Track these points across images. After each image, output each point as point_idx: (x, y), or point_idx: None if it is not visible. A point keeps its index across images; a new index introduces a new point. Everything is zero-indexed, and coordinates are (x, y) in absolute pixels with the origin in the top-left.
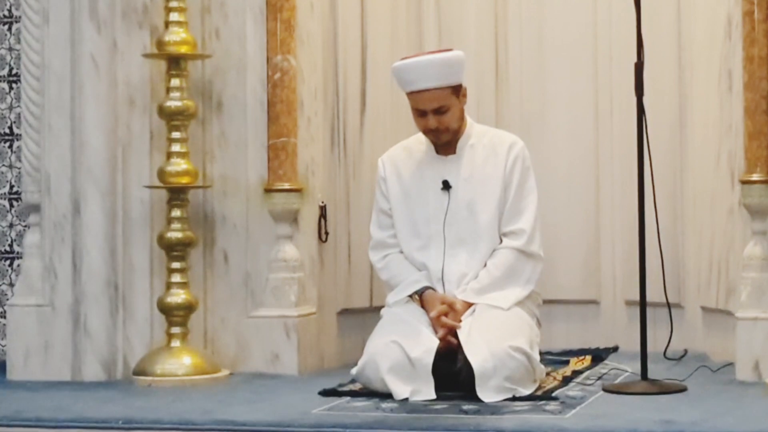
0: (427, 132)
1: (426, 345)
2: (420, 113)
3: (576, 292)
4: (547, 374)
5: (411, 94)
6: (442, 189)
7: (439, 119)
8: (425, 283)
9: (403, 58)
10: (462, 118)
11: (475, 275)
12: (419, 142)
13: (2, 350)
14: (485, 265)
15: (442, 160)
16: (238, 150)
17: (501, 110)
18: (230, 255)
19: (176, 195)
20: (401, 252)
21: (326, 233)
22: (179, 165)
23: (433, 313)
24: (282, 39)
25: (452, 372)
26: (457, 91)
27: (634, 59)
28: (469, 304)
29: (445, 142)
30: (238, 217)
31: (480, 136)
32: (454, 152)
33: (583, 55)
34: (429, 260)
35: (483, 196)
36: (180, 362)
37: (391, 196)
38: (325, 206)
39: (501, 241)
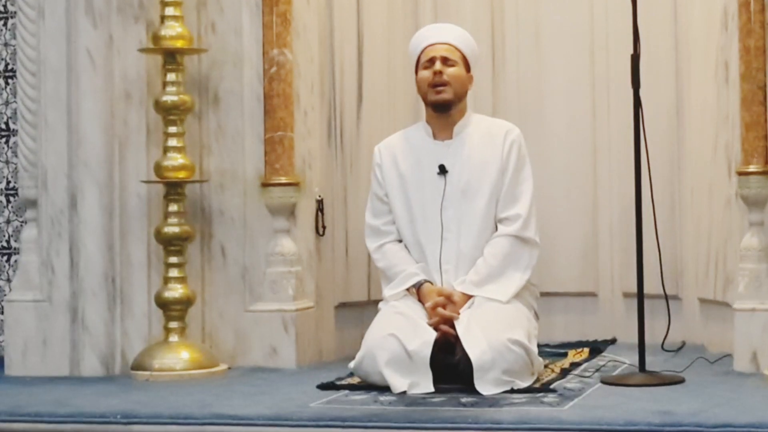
0: (429, 86)
1: (423, 337)
2: (429, 62)
3: (574, 285)
4: (546, 366)
5: (425, 49)
6: (439, 173)
7: (445, 69)
8: (422, 277)
9: None
10: (463, 92)
11: (472, 258)
12: (417, 129)
13: (0, 346)
14: (482, 251)
15: (438, 144)
16: (234, 144)
17: (498, 102)
18: (228, 249)
19: (173, 189)
20: (399, 240)
21: (323, 227)
22: (176, 159)
23: (428, 304)
24: (278, 32)
25: (451, 364)
26: (467, 65)
27: (631, 51)
28: (468, 297)
29: (444, 102)
30: (235, 211)
31: (477, 123)
32: (450, 137)
33: (579, 47)
34: (426, 244)
35: (479, 180)
36: (178, 357)
37: (387, 182)
38: (322, 200)
39: (496, 227)
